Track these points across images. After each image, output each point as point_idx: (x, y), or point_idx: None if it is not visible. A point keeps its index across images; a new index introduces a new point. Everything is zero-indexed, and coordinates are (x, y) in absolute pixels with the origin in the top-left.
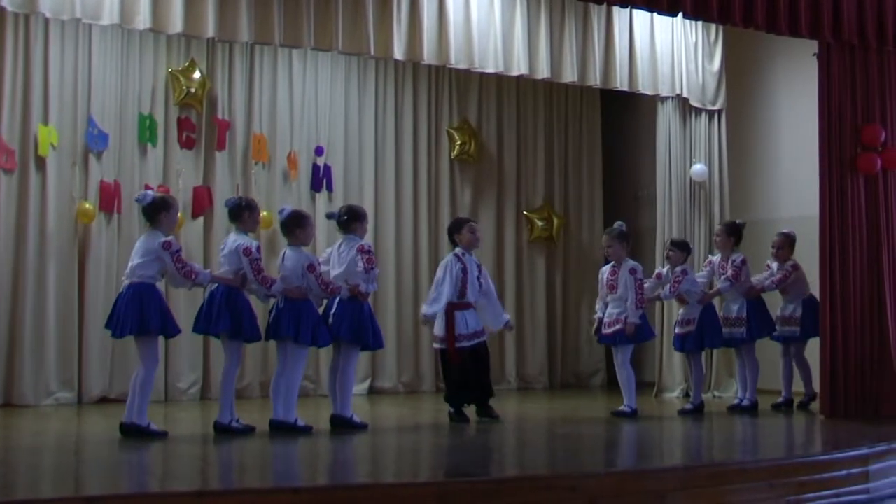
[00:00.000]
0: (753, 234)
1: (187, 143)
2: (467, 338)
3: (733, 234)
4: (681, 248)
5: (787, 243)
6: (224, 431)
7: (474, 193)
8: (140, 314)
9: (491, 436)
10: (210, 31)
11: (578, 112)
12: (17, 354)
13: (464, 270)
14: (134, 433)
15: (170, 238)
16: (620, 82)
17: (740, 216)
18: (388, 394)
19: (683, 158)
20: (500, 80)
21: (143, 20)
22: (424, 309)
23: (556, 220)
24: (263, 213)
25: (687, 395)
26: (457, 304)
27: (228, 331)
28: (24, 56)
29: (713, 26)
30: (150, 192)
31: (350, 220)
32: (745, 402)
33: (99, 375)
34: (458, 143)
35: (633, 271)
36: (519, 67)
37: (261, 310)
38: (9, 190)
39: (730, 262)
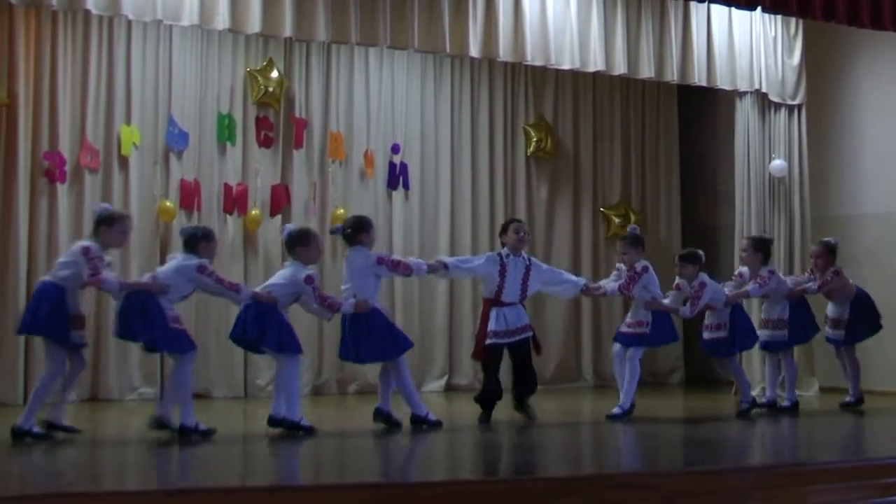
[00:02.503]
0: (835, 230)
1: (265, 142)
2: (505, 335)
3: (760, 249)
4: (691, 261)
5: (826, 252)
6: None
7: (550, 190)
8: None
9: (566, 434)
10: (287, 30)
11: (655, 108)
12: (102, 350)
13: (502, 273)
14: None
15: (89, 244)
16: (698, 77)
17: (821, 211)
18: (465, 391)
19: (762, 154)
20: (576, 77)
21: (222, 20)
22: (443, 258)
23: (632, 217)
24: (340, 211)
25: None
26: (494, 301)
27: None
28: (108, 58)
29: (793, 19)
30: (107, 206)
31: (355, 231)
32: (786, 403)
33: None
34: (534, 139)
35: (645, 268)
36: (595, 63)
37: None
38: (93, 189)
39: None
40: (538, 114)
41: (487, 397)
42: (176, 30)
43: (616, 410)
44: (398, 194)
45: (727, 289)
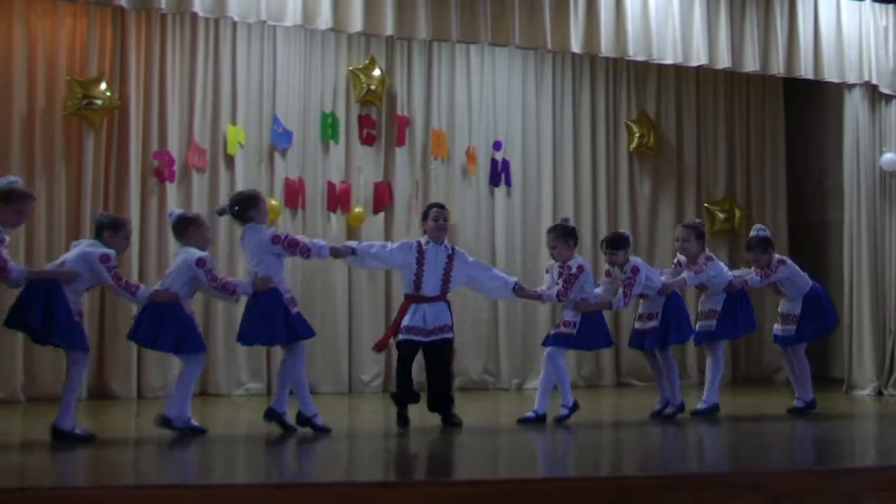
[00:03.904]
0: None
1: (368, 140)
2: (419, 332)
3: (700, 236)
4: (620, 246)
5: (760, 244)
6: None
7: (653, 186)
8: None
9: (671, 432)
10: (389, 28)
11: (760, 101)
12: (211, 346)
13: (419, 262)
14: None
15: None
16: (805, 70)
17: None
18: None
19: (873, 148)
20: (678, 71)
21: (324, 20)
22: (352, 242)
23: (737, 213)
24: (452, 208)
25: (881, 392)
26: (412, 297)
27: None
28: (214, 59)
29: None
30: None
31: (243, 208)
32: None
33: None
34: (637, 135)
35: (580, 268)
36: (698, 57)
37: None
38: (200, 188)
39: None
40: (640, 109)
41: (400, 396)
42: (280, 30)
43: (529, 414)
44: (500, 191)
45: (664, 277)
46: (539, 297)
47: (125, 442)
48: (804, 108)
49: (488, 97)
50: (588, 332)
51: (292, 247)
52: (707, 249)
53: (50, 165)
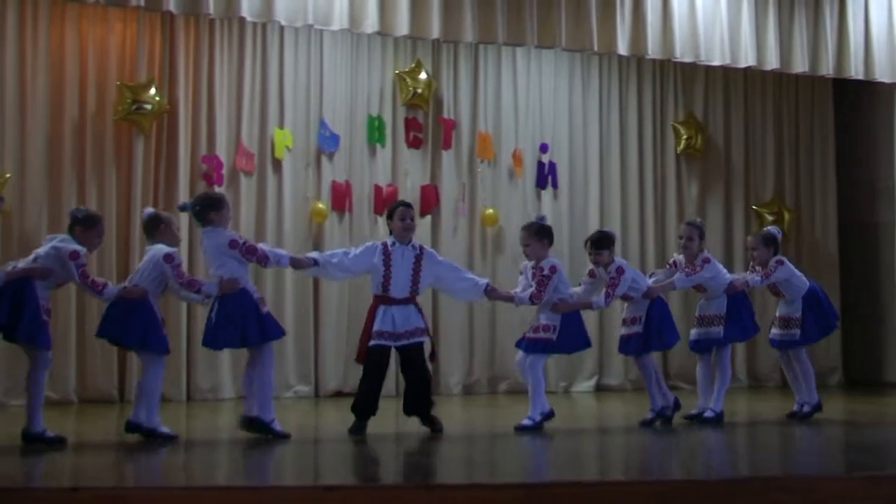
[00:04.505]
0: None
1: (414, 143)
2: (389, 336)
3: (703, 235)
4: (605, 246)
5: (763, 242)
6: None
7: (701, 188)
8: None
9: (721, 436)
10: (435, 32)
11: (809, 102)
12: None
13: (386, 263)
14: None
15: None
16: (855, 70)
17: None
18: (615, 391)
19: None
20: (726, 73)
21: (371, 24)
22: (314, 253)
23: (786, 215)
24: (489, 211)
25: None
26: (380, 298)
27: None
28: (262, 63)
29: None
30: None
31: (203, 209)
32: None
33: (334, 370)
34: (684, 137)
35: (553, 268)
36: (746, 59)
37: None
38: (248, 192)
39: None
40: (688, 111)
41: (362, 407)
42: (326, 34)
43: (525, 422)
44: (547, 193)
45: (655, 278)
46: (511, 298)
47: (175, 444)
48: (854, 109)
49: (535, 99)
50: (568, 334)
51: (250, 253)
52: (706, 250)
53: (100, 169)
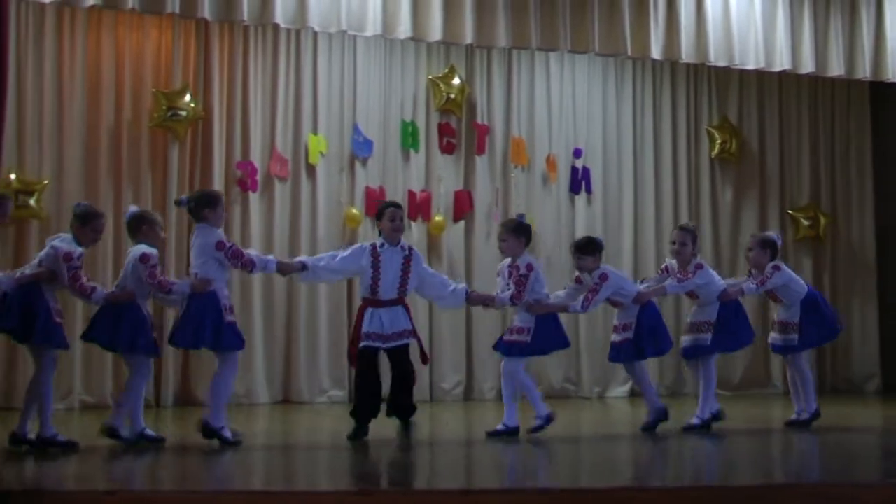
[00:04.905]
0: None
1: (448, 148)
2: (377, 338)
3: (694, 240)
4: (590, 251)
5: (759, 246)
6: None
7: (735, 193)
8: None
9: (756, 442)
10: (468, 37)
11: (845, 106)
12: (292, 354)
13: (375, 265)
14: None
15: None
16: (892, 73)
17: None
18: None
19: None
20: (761, 77)
21: (404, 30)
22: (302, 257)
23: (822, 219)
24: (532, 216)
25: None
26: (369, 301)
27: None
28: (296, 69)
29: None
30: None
31: (198, 205)
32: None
33: None
34: (719, 141)
35: (529, 266)
36: (781, 62)
37: None
38: (283, 197)
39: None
40: (722, 115)
41: (360, 411)
42: (360, 40)
43: (499, 427)
44: (581, 198)
45: (647, 284)
46: (491, 300)
47: (210, 447)
48: (891, 112)
49: (568, 104)
50: (542, 335)
51: (236, 257)
52: (698, 256)
53: (136, 175)
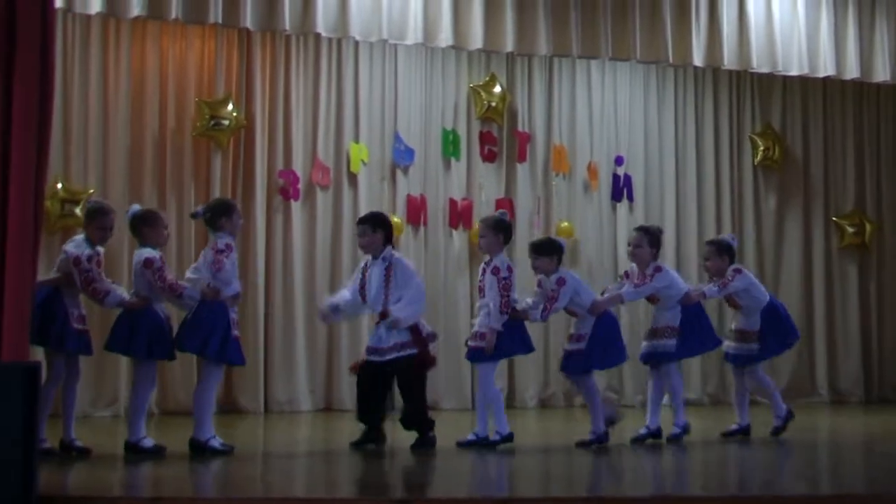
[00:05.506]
0: None
1: (489, 157)
2: (373, 352)
3: (654, 243)
4: (545, 252)
5: (717, 252)
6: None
7: (779, 200)
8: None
9: (802, 451)
10: (509, 45)
11: (891, 112)
12: (334, 361)
13: (362, 282)
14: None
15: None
16: None
17: None
18: (693, 405)
19: None
20: (804, 83)
21: (445, 38)
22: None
23: (868, 226)
24: (564, 224)
25: None
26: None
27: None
28: (337, 78)
29: None
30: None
31: (215, 215)
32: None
33: None
34: (762, 148)
35: (495, 270)
36: (825, 68)
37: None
38: (324, 206)
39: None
40: (765, 122)
41: (360, 419)
42: (401, 49)
43: (470, 436)
44: (622, 206)
45: (608, 293)
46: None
47: (254, 455)
48: None
49: (609, 112)
50: (505, 339)
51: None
52: (658, 259)
53: (180, 184)
